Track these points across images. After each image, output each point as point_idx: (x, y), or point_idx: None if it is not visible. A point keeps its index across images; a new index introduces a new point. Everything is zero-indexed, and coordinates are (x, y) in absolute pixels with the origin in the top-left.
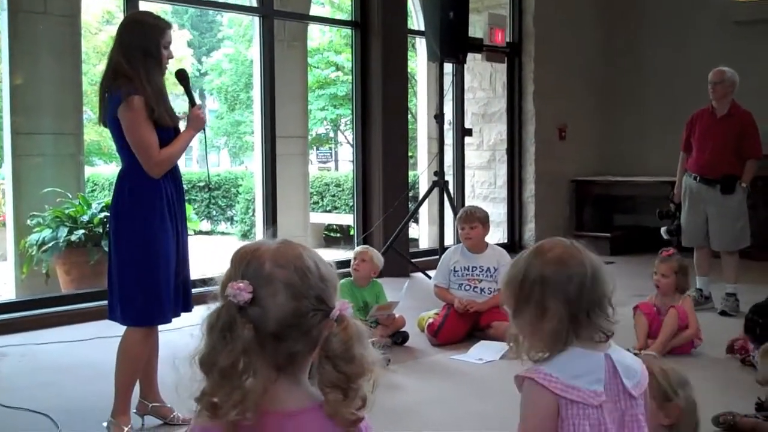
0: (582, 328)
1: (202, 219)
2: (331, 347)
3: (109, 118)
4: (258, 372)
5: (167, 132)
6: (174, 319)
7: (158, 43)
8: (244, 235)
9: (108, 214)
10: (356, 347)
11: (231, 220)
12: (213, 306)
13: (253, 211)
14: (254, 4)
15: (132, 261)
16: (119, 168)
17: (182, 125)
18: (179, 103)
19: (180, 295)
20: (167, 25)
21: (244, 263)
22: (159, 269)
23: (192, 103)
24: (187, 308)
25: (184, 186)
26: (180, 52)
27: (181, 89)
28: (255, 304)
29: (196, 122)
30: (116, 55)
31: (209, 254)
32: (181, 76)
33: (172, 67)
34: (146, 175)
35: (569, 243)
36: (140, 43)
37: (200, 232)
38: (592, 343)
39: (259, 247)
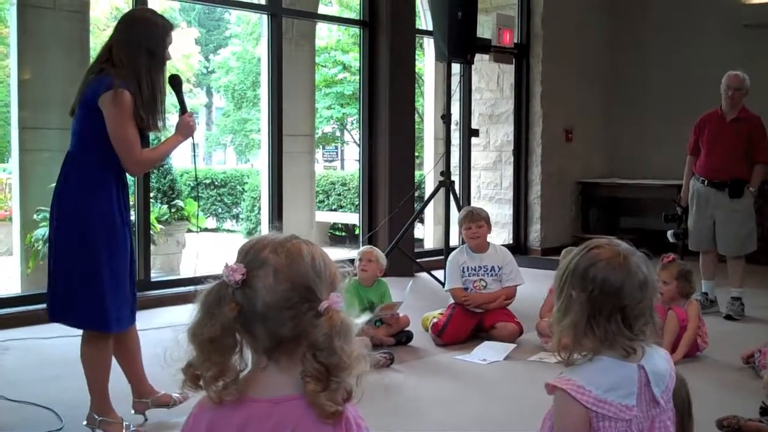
0: (610, 334)
1: (208, 216)
2: (313, 337)
3: (86, 96)
4: (244, 352)
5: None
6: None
7: (165, 44)
8: (250, 233)
9: None
10: (338, 340)
11: (237, 217)
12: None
13: (259, 208)
14: (263, 2)
15: (73, 257)
16: (66, 152)
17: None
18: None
19: (132, 297)
20: (171, 26)
21: (245, 251)
22: (114, 268)
23: (183, 110)
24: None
25: (189, 184)
26: (188, 50)
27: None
28: (246, 285)
29: (185, 129)
30: (117, 49)
31: (215, 252)
32: (175, 82)
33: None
34: (100, 164)
35: (620, 247)
36: (147, 42)
37: (205, 230)
38: (623, 352)
39: (264, 238)
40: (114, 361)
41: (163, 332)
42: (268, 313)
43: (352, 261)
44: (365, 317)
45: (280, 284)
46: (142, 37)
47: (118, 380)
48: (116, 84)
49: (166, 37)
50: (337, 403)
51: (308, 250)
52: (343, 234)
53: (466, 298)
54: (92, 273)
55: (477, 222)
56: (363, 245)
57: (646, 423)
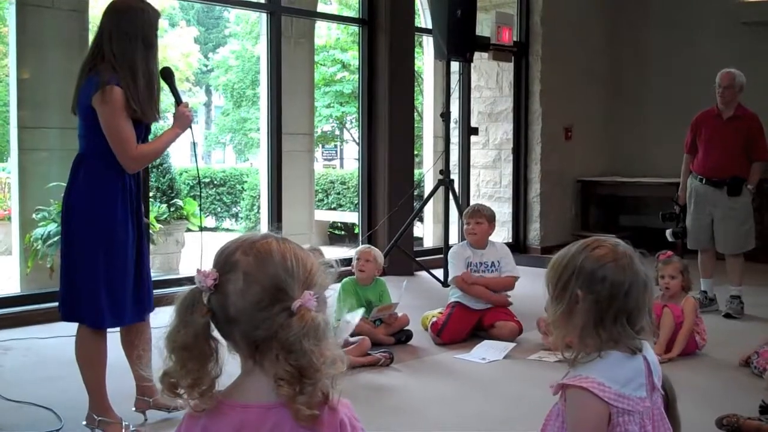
0: (615, 335)
1: (207, 215)
2: (284, 338)
3: (81, 99)
4: (219, 359)
5: (139, 128)
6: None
7: (156, 32)
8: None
9: None
10: (307, 341)
11: (236, 216)
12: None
13: (258, 207)
14: (262, 0)
15: (83, 255)
16: (77, 153)
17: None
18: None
19: (139, 295)
20: (159, 13)
21: (218, 254)
22: (112, 266)
23: (178, 101)
24: (149, 309)
25: (188, 183)
26: (187, 48)
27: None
28: (219, 291)
29: (183, 120)
30: (109, 42)
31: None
32: (166, 74)
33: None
34: (105, 163)
35: (621, 247)
36: (142, 32)
37: (205, 229)
38: (628, 351)
39: (237, 240)
40: (111, 360)
41: (161, 332)
42: (240, 317)
43: (349, 261)
44: (359, 312)
45: (250, 287)
46: (135, 27)
47: (119, 380)
48: (104, 81)
49: (156, 24)
50: (312, 407)
51: (278, 249)
52: (343, 233)
53: (474, 281)
54: (88, 269)
55: (476, 218)
56: (362, 244)
57: (650, 411)
